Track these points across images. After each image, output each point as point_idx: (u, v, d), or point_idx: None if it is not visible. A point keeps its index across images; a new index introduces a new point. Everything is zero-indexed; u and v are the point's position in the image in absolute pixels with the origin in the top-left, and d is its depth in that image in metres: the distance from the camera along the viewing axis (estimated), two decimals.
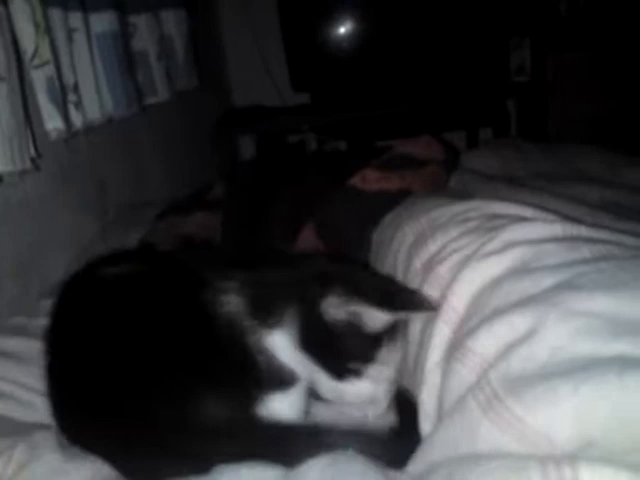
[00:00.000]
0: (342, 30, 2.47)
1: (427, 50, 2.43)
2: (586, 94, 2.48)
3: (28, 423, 0.66)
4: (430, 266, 0.82)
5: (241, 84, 2.87)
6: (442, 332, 0.71)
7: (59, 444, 0.58)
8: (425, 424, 0.65)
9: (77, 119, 1.21)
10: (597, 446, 0.42)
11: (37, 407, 0.72)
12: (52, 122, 1.12)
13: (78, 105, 1.22)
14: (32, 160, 1.04)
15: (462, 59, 2.43)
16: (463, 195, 1.06)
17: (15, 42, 1.03)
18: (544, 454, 0.44)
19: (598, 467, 0.38)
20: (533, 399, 0.48)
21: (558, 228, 0.72)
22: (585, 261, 0.63)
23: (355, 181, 1.21)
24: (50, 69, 1.12)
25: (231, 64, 2.89)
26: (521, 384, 0.51)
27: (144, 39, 1.64)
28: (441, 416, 0.64)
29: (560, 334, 0.53)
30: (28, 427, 0.63)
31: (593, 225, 0.74)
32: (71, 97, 1.20)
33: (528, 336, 0.55)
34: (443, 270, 0.78)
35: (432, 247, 0.86)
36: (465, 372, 0.62)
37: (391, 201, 1.14)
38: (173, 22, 1.85)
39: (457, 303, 0.71)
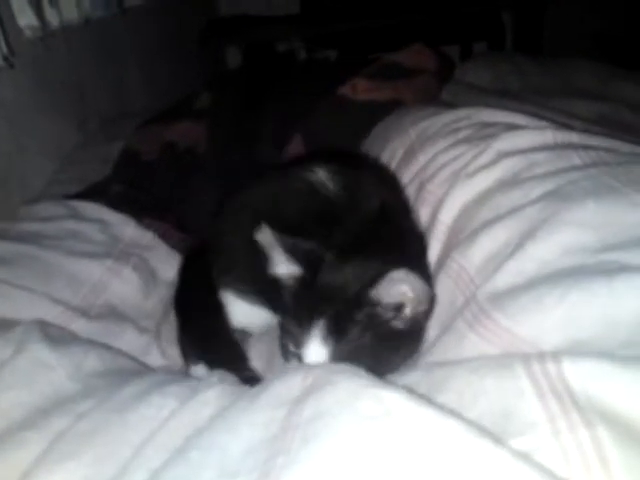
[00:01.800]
0: None
1: None
2: (584, 6, 2.40)
3: (14, 320, 0.66)
4: (421, 182, 0.81)
5: None
6: (433, 247, 0.71)
7: (43, 336, 0.58)
8: None
9: (52, 17, 1.15)
10: (583, 346, 0.42)
11: (22, 304, 0.72)
12: (25, 18, 1.06)
13: (53, 1, 1.15)
14: (5, 58, 0.98)
15: None
16: (455, 106, 1.03)
17: None
18: (529, 354, 0.44)
19: (580, 361, 0.38)
20: (520, 310, 0.49)
21: (549, 135, 0.71)
22: (576, 168, 0.62)
23: (345, 90, 1.18)
24: None
25: None
26: (508, 298, 0.51)
27: None
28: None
29: (548, 247, 0.53)
30: (13, 323, 0.63)
31: (585, 132, 0.72)
32: None
33: (515, 250, 0.55)
34: (433, 187, 0.77)
35: (421, 158, 0.85)
36: (450, 284, 0.62)
37: (381, 111, 1.11)
38: None
39: (446, 218, 0.70)
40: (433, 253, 0.71)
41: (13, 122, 1.13)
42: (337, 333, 0.59)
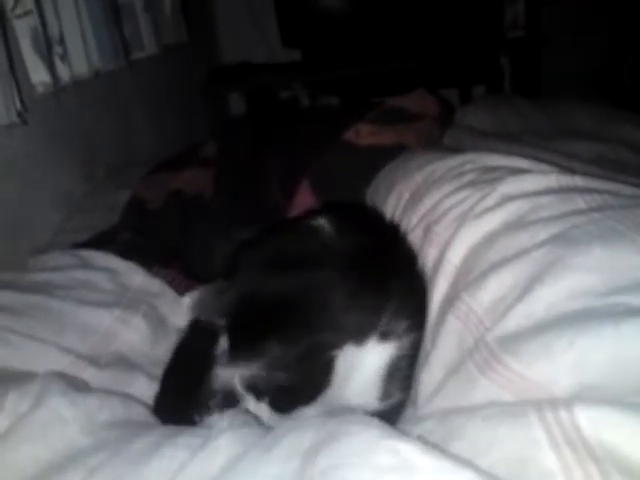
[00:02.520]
0: None
1: (420, 5, 2.37)
2: (581, 47, 2.45)
3: (25, 371, 0.66)
4: (428, 224, 0.81)
5: (231, 40, 2.81)
6: (440, 287, 0.71)
7: (61, 389, 0.58)
8: (423, 374, 0.66)
9: (64, 72, 1.19)
10: (594, 391, 0.42)
11: (33, 354, 0.72)
12: (38, 75, 1.10)
13: (64, 57, 1.19)
14: (19, 114, 1.01)
15: (455, 14, 2.38)
16: (457, 150, 1.05)
17: None
18: (541, 401, 0.44)
19: (593, 407, 0.38)
20: (530, 355, 0.48)
21: (553, 179, 0.72)
22: (580, 212, 0.63)
23: (349, 135, 1.20)
24: (34, 19, 1.08)
25: (220, 19, 2.82)
26: (518, 341, 0.51)
27: None
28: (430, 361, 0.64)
29: (556, 291, 0.53)
30: (24, 375, 0.63)
31: (588, 175, 0.73)
32: (57, 49, 1.17)
33: (523, 293, 0.55)
34: (440, 228, 0.78)
35: (428, 202, 0.86)
36: (459, 325, 0.63)
37: (385, 155, 1.13)
38: None
39: (454, 258, 0.71)
40: (440, 291, 0.71)
41: (23, 174, 1.15)
42: None
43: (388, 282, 0.70)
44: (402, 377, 0.68)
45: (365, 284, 0.69)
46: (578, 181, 0.71)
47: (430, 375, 0.63)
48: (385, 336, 0.66)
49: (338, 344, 0.63)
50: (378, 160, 1.13)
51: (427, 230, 0.81)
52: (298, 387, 0.63)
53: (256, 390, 0.65)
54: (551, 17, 2.47)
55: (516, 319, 0.54)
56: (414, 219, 0.87)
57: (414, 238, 0.84)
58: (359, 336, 0.64)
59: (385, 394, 0.66)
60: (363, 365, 0.65)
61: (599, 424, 0.37)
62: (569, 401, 0.40)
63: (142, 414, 0.64)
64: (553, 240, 0.60)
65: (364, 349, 0.65)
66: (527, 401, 0.44)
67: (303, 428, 0.48)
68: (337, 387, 0.64)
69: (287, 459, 0.44)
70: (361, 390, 0.66)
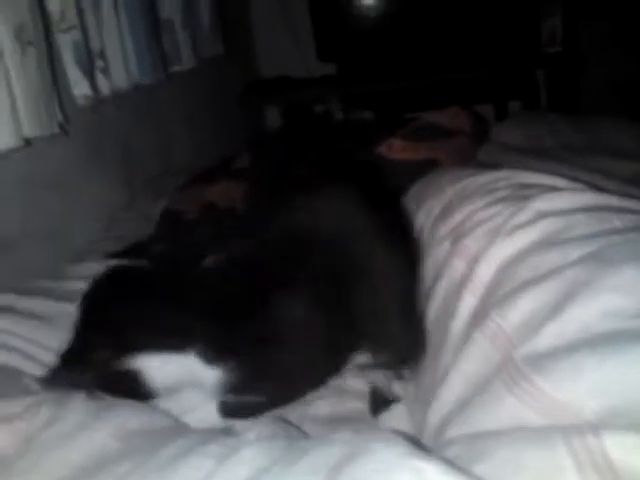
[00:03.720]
0: None
1: (456, 20, 2.37)
2: (619, 64, 2.41)
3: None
4: (456, 236, 0.81)
5: (267, 54, 2.85)
6: (468, 302, 0.70)
7: (86, 401, 0.60)
8: (442, 389, 0.65)
9: (104, 85, 1.22)
10: (622, 416, 0.41)
11: None
12: (79, 87, 1.13)
13: (105, 71, 1.22)
14: (60, 126, 1.04)
15: (492, 29, 2.37)
16: (491, 167, 1.04)
17: (41, 6, 1.03)
18: (569, 425, 0.43)
19: (622, 434, 0.38)
20: (558, 374, 0.48)
21: (588, 198, 0.71)
22: (615, 231, 0.62)
23: (381, 150, 1.20)
24: (77, 34, 1.12)
25: (257, 33, 2.86)
26: (547, 361, 0.50)
27: (170, 5, 1.63)
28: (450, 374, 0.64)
29: (588, 311, 0.52)
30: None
31: (624, 195, 0.72)
32: (98, 63, 1.21)
33: (554, 312, 0.55)
34: (470, 242, 0.77)
35: (458, 216, 0.85)
36: (486, 343, 0.62)
37: (417, 171, 1.13)
38: None
39: (484, 274, 0.70)
40: (467, 306, 0.70)
41: (64, 183, 1.19)
42: None
43: None
44: None
45: None
46: (614, 200, 0.70)
47: (450, 390, 0.63)
48: None
49: None
50: (410, 174, 1.13)
51: (455, 242, 0.80)
52: None
53: None
54: (589, 33, 2.44)
55: (546, 338, 0.53)
56: (442, 231, 0.86)
57: (441, 250, 0.83)
58: None
59: None
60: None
61: (627, 450, 0.37)
62: (596, 426, 0.39)
63: (169, 424, 0.64)
64: (586, 259, 0.59)
65: None
66: (554, 424, 0.44)
67: (330, 443, 0.48)
68: None
69: (312, 474, 0.44)
70: None
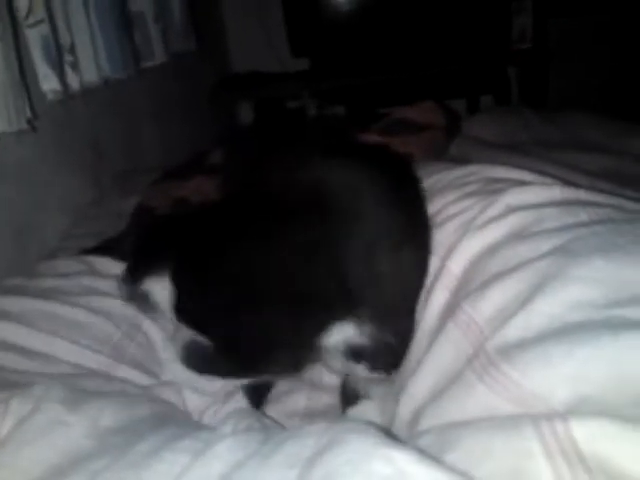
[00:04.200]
0: None
1: (428, 15, 2.39)
2: (588, 60, 2.46)
3: (23, 381, 0.67)
4: None
5: (239, 49, 2.83)
6: (440, 295, 0.71)
7: (61, 394, 0.59)
8: (413, 381, 0.65)
9: (74, 80, 1.20)
10: (591, 403, 0.42)
11: (39, 366, 0.73)
12: (48, 83, 1.11)
13: (74, 66, 1.20)
14: (29, 121, 1.03)
15: (463, 25, 2.40)
16: (463, 161, 1.06)
17: (8, 0, 1.02)
18: (538, 413, 0.44)
19: (589, 421, 0.39)
20: (528, 364, 0.49)
21: (557, 192, 0.72)
22: (583, 224, 0.63)
23: None
24: (45, 28, 1.10)
25: (229, 28, 2.85)
26: (517, 351, 0.51)
27: None
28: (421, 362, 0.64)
29: (557, 302, 0.53)
30: (24, 383, 0.64)
31: (592, 189, 0.74)
32: (67, 57, 1.19)
33: (524, 303, 0.56)
34: (442, 236, 0.78)
35: (430, 209, 0.86)
36: (458, 334, 0.63)
37: None
38: None
39: (455, 267, 0.71)
40: (439, 300, 0.71)
41: (32, 179, 1.17)
42: None
43: None
44: None
45: None
46: (582, 194, 0.71)
47: (421, 382, 0.63)
48: None
49: None
50: None
51: None
52: None
53: None
54: (558, 29, 2.48)
55: (516, 329, 0.54)
56: None
57: None
58: None
59: None
60: None
61: (594, 436, 0.38)
62: (565, 413, 0.40)
63: (145, 416, 0.64)
64: (555, 252, 0.60)
65: None
66: (524, 412, 0.45)
67: (304, 436, 0.48)
68: None
69: (287, 467, 0.45)
70: None
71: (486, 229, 0.72)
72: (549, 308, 0.54)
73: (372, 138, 1.22)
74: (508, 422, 0.43)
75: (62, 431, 0.55)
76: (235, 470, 0.47)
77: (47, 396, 0.58)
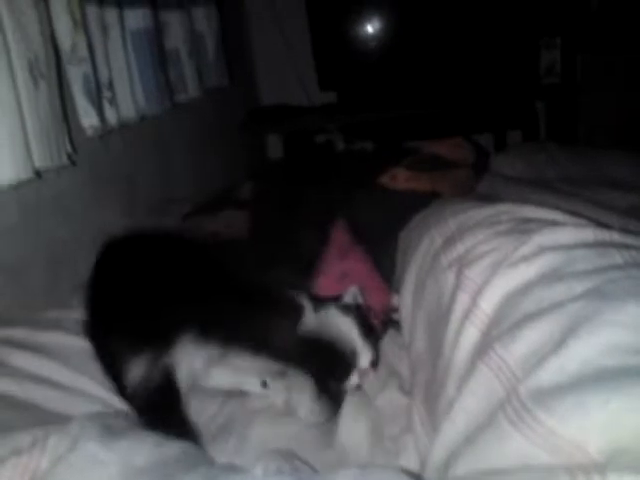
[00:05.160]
0: (370, 29, 2.46)
1: (456, 50, 2.40)
2: (618, 95, 2.44)
3: (62, 415, 0.68)
4: (460, 268, 0.82)
5: (268, 83, 2.88)
6: (471, 334, 0.71)
7: (97, 432, 0.60)
8: (446, 423, 0.65)
9: (111, 115, 1.24)
10: (627, 455, 0.42)
11: (71, 402, 0.74)
12: (88, 118, 1.14)
13: (112, 101, 1.24)
14: (68, 156, 1.06)
15: (491, 59, 2.41)
16: (492, 198, 1.06)
17: (53, 39, 1.05)
18: (575, 464, 0.44)
19: (626, 475, 0.38)
20: (564, 411, 0.48)
21: (589, 233, 0.72)
22: (616, 267, 0.63)
23: (384, 180, 1.22)
24: (86, 66, 1.14)
25: (258, 62, 2.90)
26: (551, 396, 0.51)
27: (176, 36, 1.66)
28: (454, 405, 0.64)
29: (591, 346, 0.53)
30: (62, 419, 0.65)
31: (624, 230, 0.73)
32: (106, 93, 1.22)
33: (558, 346, 0.55)
34: (473, 274, 0.78)
35: (460, 247, 0.86)
36: (490, 377, 0.62)
37: (420, 202, 1.14)
38: (204, 19, 1.86)
39: (487, 307, 0.71)
40: (470, 339, 0.71)
41: (69, 212, 1.20)
42: None
43: None
44: None
45: None
46: (615, 236, 0.71)
47: (454, 425, 0.63)
48: None
49: None
50: (413, 205, 1.15)
51: (459, 274, 0.81)
52: None
53: None
54: (587, 64, 2.47)
55: (550, 373, 0.54)
56: (445, 262, 0.87)
57: (444, 279, 0.84)
58: None
59: None
60: None
61: None
62: (602, 466, 0.40)
63: (176, 455, 0.64)
64: (589, 294, 0.60)
65: None
66: (560, 462, 0.44)
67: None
68: None
69: None
70: None
71: (518, 268, 0.71)
72: (583, 352, 0.53)
73: (401, 173, 1.23)
74: (544, 473, 0.43)
75: (98, 470, 0.55)
76: None
77: (83, 434, 0.59)
